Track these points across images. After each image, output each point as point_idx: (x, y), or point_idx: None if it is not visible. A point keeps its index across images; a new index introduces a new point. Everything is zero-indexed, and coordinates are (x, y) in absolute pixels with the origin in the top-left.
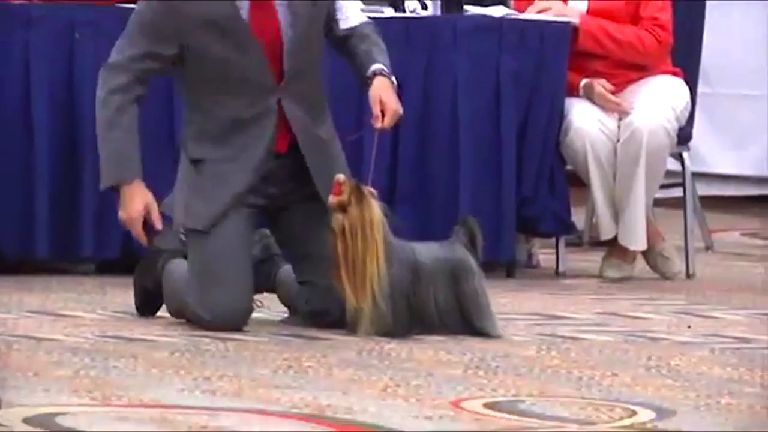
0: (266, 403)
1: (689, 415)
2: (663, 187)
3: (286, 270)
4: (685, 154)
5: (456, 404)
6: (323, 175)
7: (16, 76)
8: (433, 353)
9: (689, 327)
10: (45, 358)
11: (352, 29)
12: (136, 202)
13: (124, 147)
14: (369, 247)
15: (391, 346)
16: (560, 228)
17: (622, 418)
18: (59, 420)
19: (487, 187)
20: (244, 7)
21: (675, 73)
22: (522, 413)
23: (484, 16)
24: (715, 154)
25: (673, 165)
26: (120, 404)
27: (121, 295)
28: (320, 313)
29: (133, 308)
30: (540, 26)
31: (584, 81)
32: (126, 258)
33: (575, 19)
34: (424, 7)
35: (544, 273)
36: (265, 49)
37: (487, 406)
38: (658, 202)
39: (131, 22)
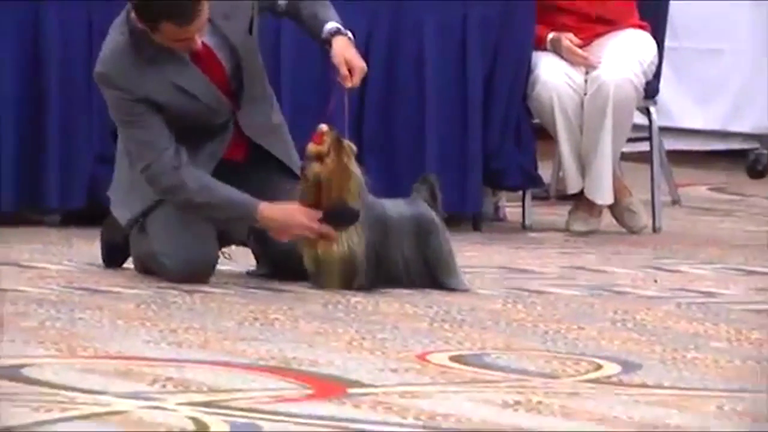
0: (232, 356)
1: (655, 369)
2: (630, 141)
3: None
4: (652, 109)
5: (422, 357)
6: (282, 153)
7: None
8: (399, 306)
9: (655, 281)
10: (10, 309)
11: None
12: (289, 220)
13: (224, 198)
14: (343, 199)
15: (357, 299)
16: (527, 181)
17: (587, 372)
18: (25, 371)
19: (453, 140)
20: (187, 60)
21: (642, 27)
22: (488, 366)
23: None
24: (682, 108)
25: (639, 119)
26: (86, 355)
27: (87, 246)
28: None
29: (99, 260)
30: None
31: (552, 35)
32: (91, 209)
33: None
34: None
35: (510, 226)
36: (220, 88)
37: (452, 359)
38: (624, 156)
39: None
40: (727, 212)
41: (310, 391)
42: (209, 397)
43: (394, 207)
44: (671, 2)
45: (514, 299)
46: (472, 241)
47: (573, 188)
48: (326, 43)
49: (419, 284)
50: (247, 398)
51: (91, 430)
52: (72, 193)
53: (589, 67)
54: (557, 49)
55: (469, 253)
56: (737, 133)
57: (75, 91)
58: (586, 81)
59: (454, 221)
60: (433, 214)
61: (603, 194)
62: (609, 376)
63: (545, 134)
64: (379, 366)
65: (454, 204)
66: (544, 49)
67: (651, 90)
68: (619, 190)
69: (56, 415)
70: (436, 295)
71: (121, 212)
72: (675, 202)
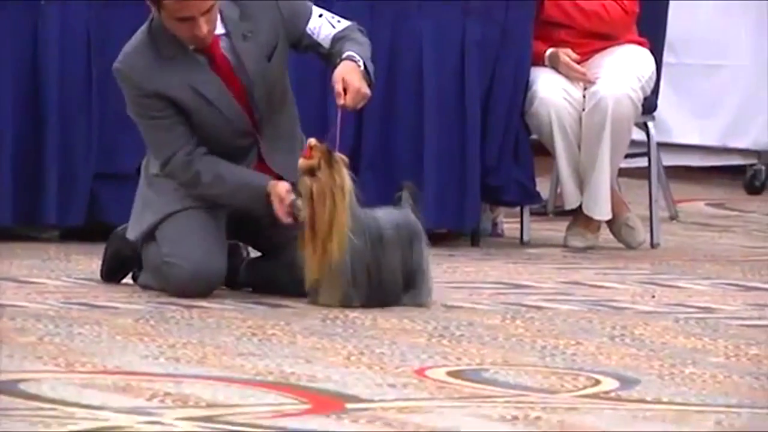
0: (230, 371)
1: (653, 384)
2: (628, 156)
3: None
4: (650, 124)
5: (420, 372)
6: None
7: None
8: (397, 321)
9: (653, 297)
10: (9, 324)
11: (333, 43)
12: (275, 189)
13: (236, 183)
14: (335, 213)
15: (355, 314)
16: (525, 197)
17: (585, 387)
18: (23, 386)
19: (451, 156)
20: (206, 66)
21: (641, 43)
22: (486, 382)
23: None
24: (680, 124)
25: (638, 135)
26: (84, 371)
27: (86, 262)
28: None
29: (97, 275)
30: None
31: (550, 50)
32: (90, 225)
33: None
34: None
35: (508, 242)
36: (236, 98)
37: (451, 374)
38: (623, 172)
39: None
40: (726, 228)
41: (308, 406)
42: (207, 412)
43: (387, 217)
44: (670, 18)
45: (513, 314)
46: (471, 257)
47: (571, 204)
48: (335, 68)
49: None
50: (245, 413)
51: None
52: (71, 210)
53: (587, 82)
54: (555, 65)
55: (467, 269)
56: (735, 149)
57: (74, 107)
58: (584, 96)
59: (452, 237)
60: (418, 222)
61: (601, 210)
62: (607, 392)
63: (543, 150)
64: (378, 381)
65: (453, 220)
66: (542, 65)
67: (649, 105)
68: (617, 205)
69: (54, 430)
70: (435, 311)
71: (133, 230)
72: (673, 217)
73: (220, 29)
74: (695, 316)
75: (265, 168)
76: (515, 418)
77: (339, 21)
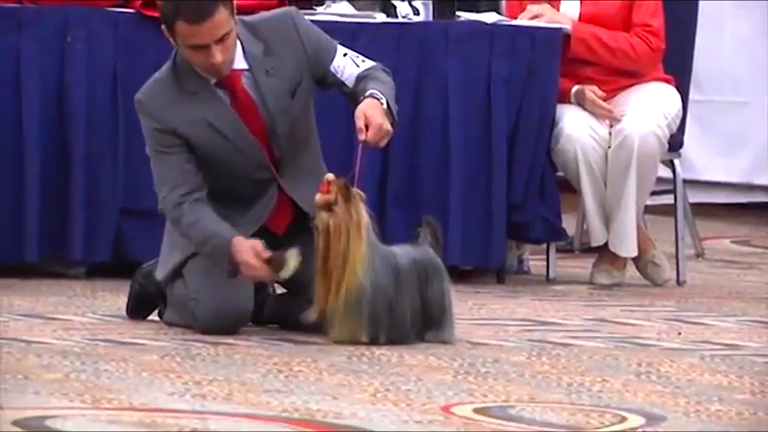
0: (256, 408)
1: (679, 421)
2: (654, 193)
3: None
4: (676, 161)
5: (446, 409)
6: None
7: (6, 79)
8: (423, 358)
9: (679, 333)
10: (35, 361)
11: (357, 82)
12: (244, 254)
13: (206, 231)
14: (352, 249)
15: (381, 351)
16: (551, 234)
17: (612, 424)
18: (49, 423)
19: (477, 192)
20: (226, 101)
21: (666, 80)
22: (512, 419)
23: (476, 21)
24: (706, 161)
25: (664, 172)
26: (110, 407)
27: (112, 298)
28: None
29: (123, 312)
30: (531, 32)
31: (576, 87)
32: (116, 262)
33: (567, 26)
34: (416, 12)
35: (534, 279)
36: (256, 137)
37: (477, 411)
38: (648, 209)
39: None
40: (751, 265)
41: None
42: None
43: (405, 254)
44: (695, 55)
45: (539, 351)
46: (497, 294)
47: (597, 241)
48: (357, 105)
49: (416, 332)
50: None
51: None
52: (97, 246)
53: (613, 119)
54: (581, 102)
55: (493, 306)
56: (761, 186)
57: (100, 143)
58: (610, 134)
59: (478, 274)
60: (438, 258)
61: (627, 247)
62: (633, 429)
63: (569, 187)
64: (404, 418)
65: (479, 257)
66: (569, 102)
67: (675, 143)
68: (643, 242)
69: None
70: (461, 347)
71: (161, 270)
72: (699, 254)
73: (242, 64)
74: (721, 353)
75: (286, 202)
76: None
77: (363, 60)
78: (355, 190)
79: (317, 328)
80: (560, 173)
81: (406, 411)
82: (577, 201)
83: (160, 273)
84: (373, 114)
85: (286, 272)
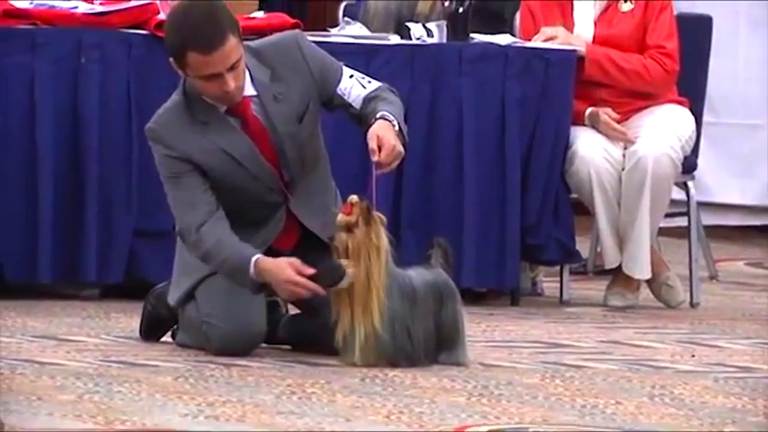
0: (269, 429)
1: None
2: (668, 216)
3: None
4: (690, 184)
5: None
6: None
7: (20, 101)
8: (437, 380)
9: (693, 356)
10: (48, 382)
11: (364, 103)
12: (286, 272)
13: (230, 255)
14: (371, 272)
15: (395, 373)
16: (564, 256)
17: None
18: None
19: (491, 215)
20: (238, 129)
21: (681, 102)
22: None
23: (490, 43)
24: (720, 183)
25: (677, 194)
26: (124, 429)
27: (125, 320)
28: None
29: (136, 333)
30: (545, 54)
31: (590, 109)
32: (129, 283)
33: (581, 48)
34: (430, 34)
35: (548, 301)
36: (269, 162)
37: None
38: (662, 231)
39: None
40: (765, 287)
41: None
42: None
43: (419, 277)
44: (709, 77)
45: (552, 373)
46: (510, 316)
47: (611, 263)
48: (369, 127)
49: (430, 355)
50: None
51: None
52: (110, 268)
53: (627, 142)
54: (595, 124)
55: (507, 328)
56: None
57: (114, 164)
58: (624, 156)
59: (492, 296)
60: (450, 281)
61: (641, 269)
62: None
63: (583, 209)
64: None
65: (492, 279)
66: (582, 124)
67: (689, 165)
68: (656, 264)
69: None
70: (474, 369)
71: (173, 293)
72: (713, 277)
73: (251, 91)
74: (735, 376)
75: (294, 225)
76: None
77: (370, 81)
78: (376, 213)
79: (331, 350)
80: (574, 195)
81: None
82: (591, 223)
83: (172, 296)
84: (385, 135)
85: (346, 281)
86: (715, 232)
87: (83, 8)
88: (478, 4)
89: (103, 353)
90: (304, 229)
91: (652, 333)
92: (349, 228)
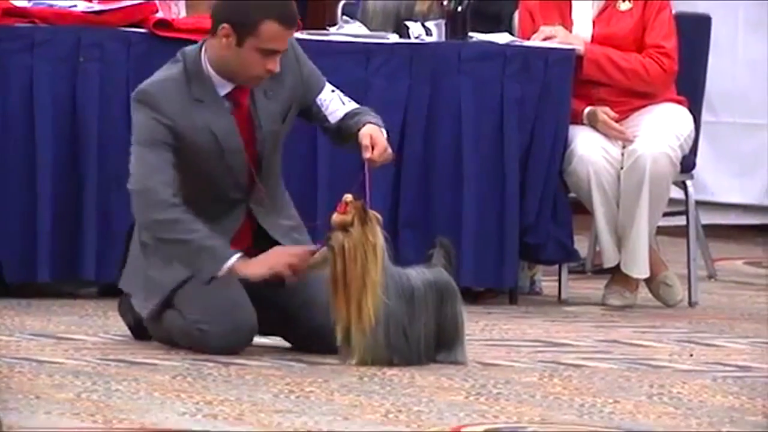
0: (267, 428)
1: None
2: (666, 215)
3: None
4: (688, 183)
5: (457, 430)
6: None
7: (19, 99)
8: (435, 379)
9: (691, 355)
10: (47, 380)
11: (347, 117)
12: (270, 253)
13: (205, 235)
14: (367, 271)
15: (393, 372)
16: (563, 255)
17: None
18: None
19: (490, 213)
20: (229, 109)
21: (679, 102)
22: None
23: (489, 42)
24: (718, 182)
25: (676, 193)
26: (121, 427)
27: None
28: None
29: None
30: (544, 53)
31: (588, 109)
32: None
33: (580, 47)
34: (429, 33)
35: (546, 300)
36: (248, 154)
37: None
38: (661, 230)
39: (134, 143)
40: (764, 287)
41: None
42: None
43: (418, 276)
44: (708, 76)
45: (550, 372)
46: (509, 315)
47: (609, 262)
48: (358, 131)
49: (428, 354)
50: None
51: None
52: (108, 267)
53: (625, 141)
54: (594, 123)
55: (505, 327)
56: None
57: (112, 163)
58: (622, 155)
59: (490, 295)
60: (452, 280)
61: (639, 268)
62: None
63: (582, 208)
64: None
65: (491, 278)
66: (581, 123)
67: (687, 164)
68: (655, 264)
69: None
70: (472, 368)
71: (139, 303)
72: (711, 276)
73: None
74: (733, 375)
75: (249, 227)
76: None
77: (350, 101)
78: (372, 212)
79: (327, 347)
80: (572, 194)
81: None
82: (590, 222)
83: (144, 309)
84: (377, 136)
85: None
86: (713, 231)
87: (82, 7)
88: (476, 4)
89: (101, 352)
90: (258, 232)
91: (650, 332)
92: (344, 227)
